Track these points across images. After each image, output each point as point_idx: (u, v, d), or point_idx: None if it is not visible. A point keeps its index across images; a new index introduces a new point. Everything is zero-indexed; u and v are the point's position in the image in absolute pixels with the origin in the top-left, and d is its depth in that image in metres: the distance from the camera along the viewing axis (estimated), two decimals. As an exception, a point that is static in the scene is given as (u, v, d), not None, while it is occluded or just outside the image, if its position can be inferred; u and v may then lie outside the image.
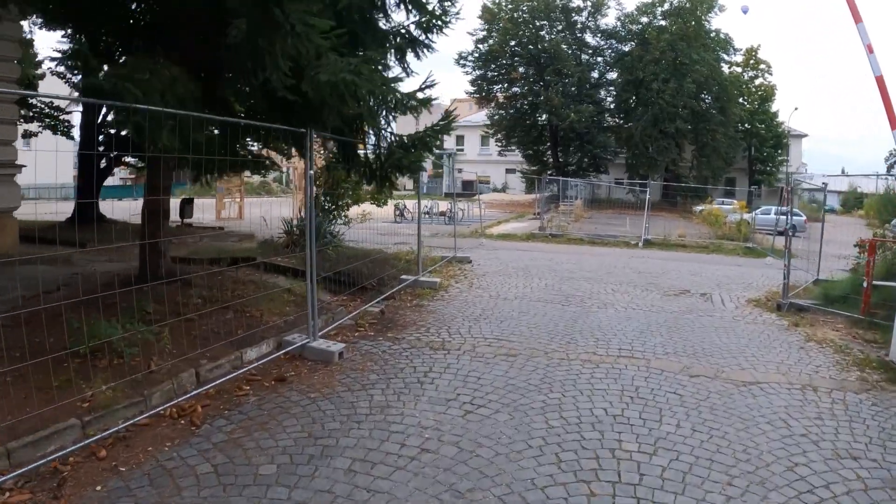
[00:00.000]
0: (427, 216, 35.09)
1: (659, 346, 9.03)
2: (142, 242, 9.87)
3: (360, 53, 8.17)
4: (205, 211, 27.67)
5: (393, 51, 9.87)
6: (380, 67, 9.11)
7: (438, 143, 10.19)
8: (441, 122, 9.70)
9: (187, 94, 6.90)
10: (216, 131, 8.59)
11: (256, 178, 61.96)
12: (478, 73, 56.72)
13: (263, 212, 27.15)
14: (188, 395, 6.57)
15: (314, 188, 8.36)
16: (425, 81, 9.39)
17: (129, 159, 22.74)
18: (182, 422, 6.11)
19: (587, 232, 27.93)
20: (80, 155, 21.14)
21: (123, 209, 25.11)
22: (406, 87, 10.07)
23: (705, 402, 6.77)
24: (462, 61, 56.54)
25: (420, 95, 9.07)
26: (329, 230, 15.86)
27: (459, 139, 76.66)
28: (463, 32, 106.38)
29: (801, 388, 7.46)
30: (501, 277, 14.76)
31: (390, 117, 9.12)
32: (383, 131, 9.33)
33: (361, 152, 10.74)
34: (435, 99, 9.00)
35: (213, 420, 6.14)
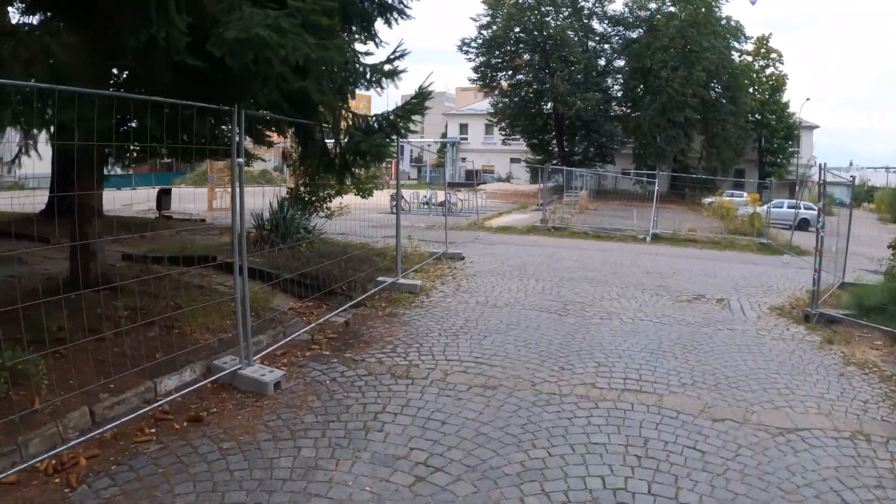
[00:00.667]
0: (426, 206, 33.51)
1: (673, 372, 7.37)
2: (71, 244, 8.34)
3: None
4: (196, 201, 26.15)
5: (357, 18, 8.21)
6: (340, 34, 7.46)
7: (411, 124, 8.51)
8: (413, 101, 8.04)
9: (69, 66, 5.28)
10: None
11: (257, 167, 60.23)
12: (481, 59, 54.76)
13: (256, 203, 26.87)
14: (73, 443, 5.03)
15: (239, 184, 6.69)
16: (395, 51, 7.76)
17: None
18: (57, 480, 4.61)
19: (592, 225, 26.25)
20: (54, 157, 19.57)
21: (123, 199, 23.61)
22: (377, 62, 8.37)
23: (734, 464, 5.12)
24: (465, 48, 54.66)
25: (387, 67, 7.44)
26: (303, 224, 14.25)
27: (463, 128, 74.82)
28: (466, 18, 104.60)
29: (851, 437, 5.81)
30: (494, 278, 13.13)
31: (347, 92, 7.45)
32: (338, 110, 7.64)
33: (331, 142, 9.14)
34: (403, 71, 7.34)
35: (95, 479, 4.63)
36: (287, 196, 16.37)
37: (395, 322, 9.31)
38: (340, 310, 9.68)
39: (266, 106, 6.93)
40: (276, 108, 6.97)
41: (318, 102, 6.88)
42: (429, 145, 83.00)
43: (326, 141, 8.84)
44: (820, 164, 11.19)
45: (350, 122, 8.02)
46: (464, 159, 73.66)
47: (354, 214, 23.34)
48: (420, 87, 8.29)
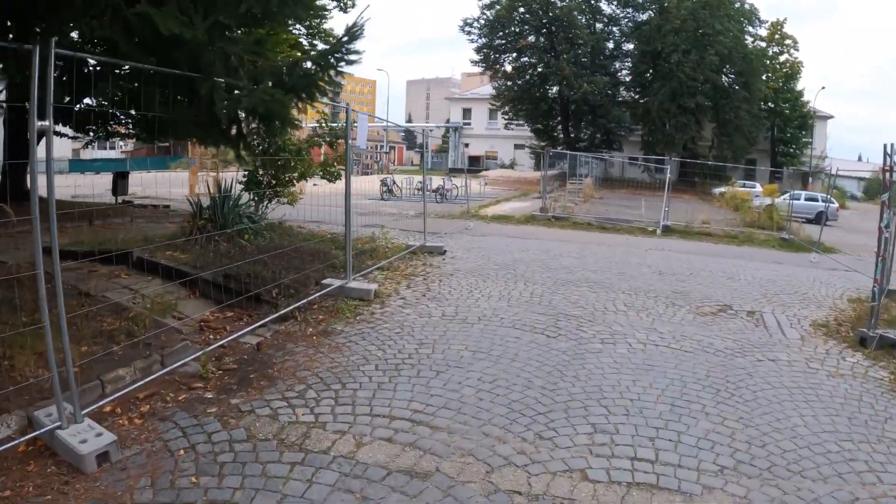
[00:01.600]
0: (421, 192, 31.05)
1: (705, 444, 4.88)
2: None
3: None
4: (185, 186, 23.78)
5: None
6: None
7: (340, 78, 6.00)
8: (339, 43, 5.51)
9: None
10: None
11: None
12: (483, 41, 51.89)
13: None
14: None
15: (47, 162, 4.29)
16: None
17: None
18: None
19: (597, 215, 23.73)
20: (6, 122, 17.25)
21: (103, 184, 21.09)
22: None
23: None
24: (467, 28, 51.70)
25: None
26: (247, 213, 11.84)
27: (466, 112, 71.98)
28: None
29: None
30: (474, 280, 10.69)
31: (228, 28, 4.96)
32: (209, 52, 5.11)
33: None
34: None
35: None
36: (244, 180, 14.03)
37: (324, 346, 6.87)
38: (258, 325, 7.27)
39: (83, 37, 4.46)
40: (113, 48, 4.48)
41: (171, 38, 4.39)
42: (431, 130, 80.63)
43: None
44: (886, 145, 8.66)
45: (234, 70, 5.51)
46: (466, 145, 71.00)
47: (335, 200, 21.05)
48: (351, 26, 5.77)
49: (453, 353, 6.68)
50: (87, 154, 44.86)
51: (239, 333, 6.95)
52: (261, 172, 13.81)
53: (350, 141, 8.90)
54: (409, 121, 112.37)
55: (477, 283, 10.37)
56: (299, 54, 16.14)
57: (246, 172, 13.77)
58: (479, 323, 7.91)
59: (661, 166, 42.45)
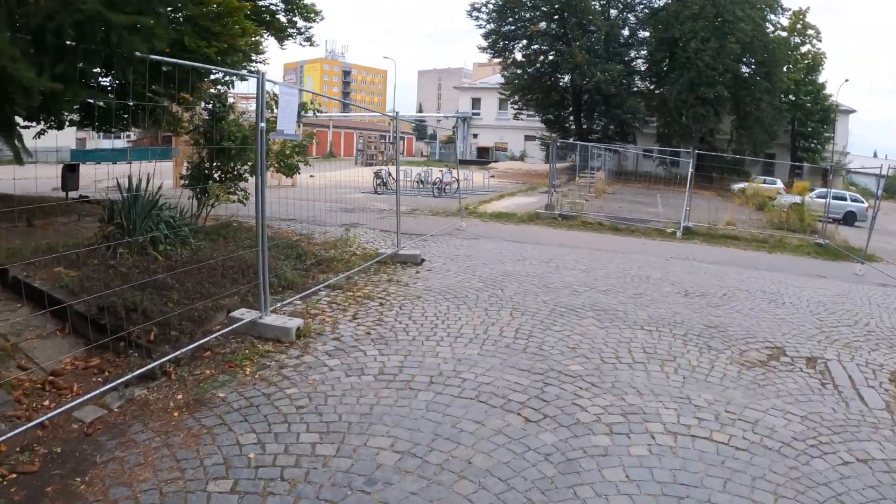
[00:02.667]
0: (421, 185, 28.45)
1: None
2: None
3: None
4: (163, 177, 21.34)
5: None
6: None
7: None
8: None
9: None
10: None
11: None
12: (492, 27, 48.86)
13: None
14: None
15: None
16: None
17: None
18: None
19: (609, 213, 21.08)
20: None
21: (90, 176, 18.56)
22: None
23: None
24: (475, 13, 48.71)
25: None
26: (169, 216, 9.34)
27: (476, 102, 68.95)
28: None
29: None
30: (446, 306, 8.15)
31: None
32: None
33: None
34: None
35: None
36: (187, 172, 11.59)
37: (182, 430, 4.36)
38: (108, 388, 4.82)
39: None
40: None
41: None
42: (438, 120, 78.04)
43: None
44: None
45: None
46: (475, 135, 68.19)
47: (322, 194, 18.71)
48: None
49: (367, 458, 4.11)
50: (92, 144, 42.86)
51: (73, 403, 4.52)
52: (208, 165, 11.37)
53: (262, 124, 6.34)
54: (420, 111, 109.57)
55: (448, 313, 7.82)
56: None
57: (189, 163, 11.33)
58: (427, 390, 5.32)
59: (678, 159, 39.97)
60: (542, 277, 10.30)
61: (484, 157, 63.98)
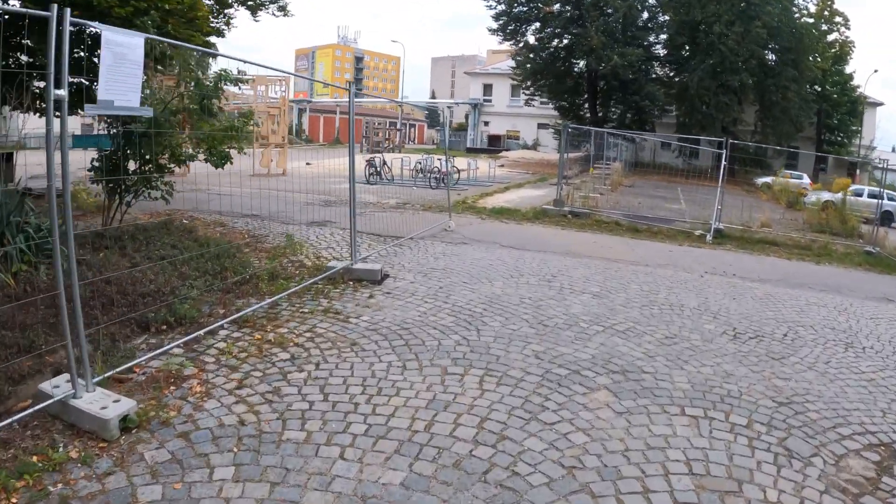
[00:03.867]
0: (420, 175, 25.50)
1: None
2: None
3: None
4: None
5: None
6: None
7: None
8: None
9: None
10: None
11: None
12: (502, 7, 45.59)
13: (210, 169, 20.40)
14: None
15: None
16: None
17: None
18: None
19: (627, 210, 18.21)
20: None
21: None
22: None
23: None
24: (486, -8, 45.54)
25: None
26: (29, 226, 6.69)
27: (487, 89, 65.63)
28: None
29: None
30: (385, 365, 5.41)
31: None
32: None
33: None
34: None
35: None
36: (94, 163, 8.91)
37: None
38: None
39: None
40: None
41: None
42: (449, 107, 75.00)
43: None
44: None
45: None
46: (486, 123, 65.06)
47: (307, 184, 16.34)
48: None
49: None
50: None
51: None
52: (128, 153, 8.67)
53: (60, 92, 3.62)
54: (433, 97, 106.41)
55: (385, 378, 5.08)
56: None
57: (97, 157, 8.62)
58: None
59: (700, 147, 36.74)
60: (538, 307, 7.52)
61: (495, 145, 60.87)
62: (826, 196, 29.10)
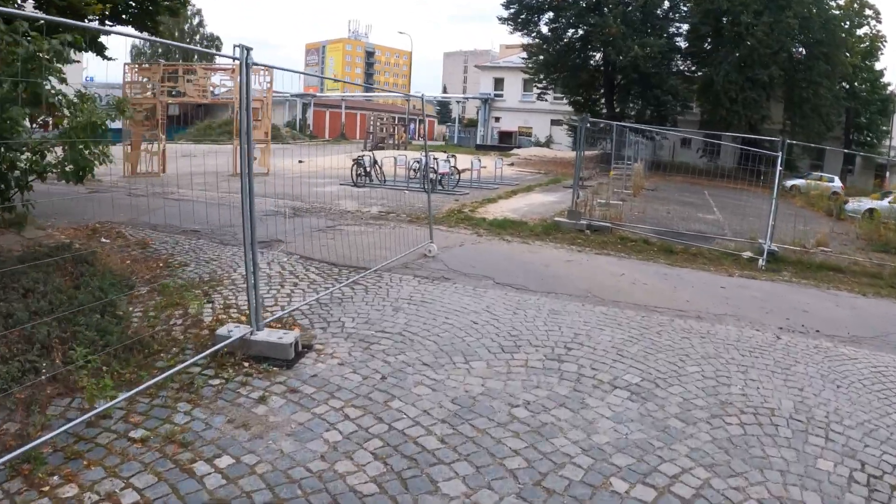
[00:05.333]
0: (415, 174, 22.08)
1: None
2: None
3: None
4: (116, 163, 15.79)
5: None
6: None
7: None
8: None
9: None
10: None
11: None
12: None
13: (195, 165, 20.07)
14: None
15: None
16: None
17: None
18: None
19: (655, 223, 14.97)
20: None
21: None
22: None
23: None
24: (498, -21, 41.99)
25: None
26: None
27: (498, 83, 62.04)
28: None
29: None
30: None
31: None
32: None
33: None
34: None
35: None
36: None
37: None
38: None
39: None
40: None
41: None
42: (459, 102, 71.72)
43: None
44: None
45: None
46: (497, 119, 61.62)
47: (284, 186, 13.63)
48: None
49: None
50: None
51: None
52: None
53: None
54: (445, 92, 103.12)
55: None
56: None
57: None
58: None
59: (719, 144, 33.10)
60: (539, 432, 4.34)
61: (507, 142, 57.45)
62: (867, 203, 25.76)
